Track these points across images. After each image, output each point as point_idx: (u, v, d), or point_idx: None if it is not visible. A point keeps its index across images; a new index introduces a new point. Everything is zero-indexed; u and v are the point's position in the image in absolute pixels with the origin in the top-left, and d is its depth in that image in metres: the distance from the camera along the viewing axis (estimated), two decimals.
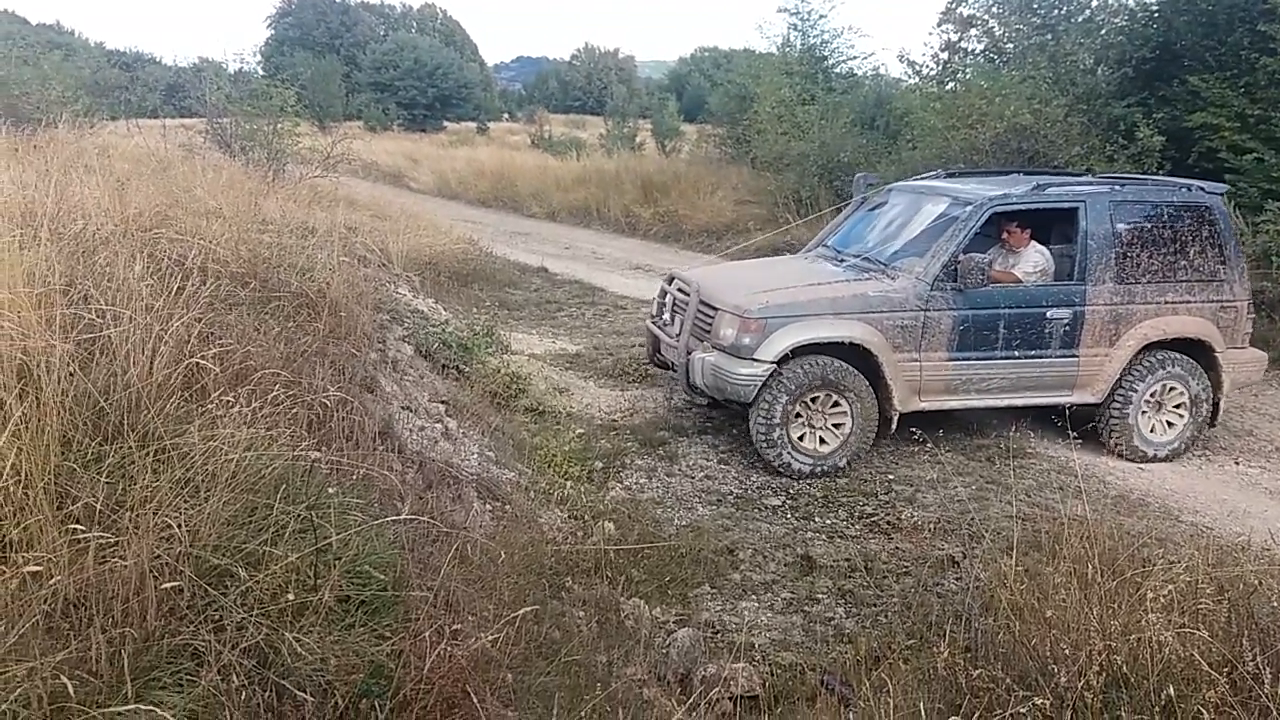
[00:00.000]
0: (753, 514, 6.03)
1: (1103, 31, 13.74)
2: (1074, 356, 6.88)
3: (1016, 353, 6.78)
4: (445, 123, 49.04)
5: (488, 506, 5.21)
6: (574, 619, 4.28)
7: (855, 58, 21.08)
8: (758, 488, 6.41)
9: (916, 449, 6.80)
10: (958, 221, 6.79)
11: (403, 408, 5.74)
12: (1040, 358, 6.83)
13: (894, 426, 6.67)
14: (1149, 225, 6.95)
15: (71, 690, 2.18)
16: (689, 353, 6.80)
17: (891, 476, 6.57)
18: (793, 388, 6.42)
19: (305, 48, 50.02)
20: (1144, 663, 2.95)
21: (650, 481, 6.42)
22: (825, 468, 6.56)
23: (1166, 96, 12.26)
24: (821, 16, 20.36)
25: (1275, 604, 3.24)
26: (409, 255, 10.93)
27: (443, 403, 6.45)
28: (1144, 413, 7.05)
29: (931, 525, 5.75)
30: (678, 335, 7.04)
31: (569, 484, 6.13)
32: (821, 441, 6.60)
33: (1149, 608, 3.16)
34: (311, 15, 56.10)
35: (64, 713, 2.21)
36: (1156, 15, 12.95)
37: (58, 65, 15.26)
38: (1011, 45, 15.31)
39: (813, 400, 6.54)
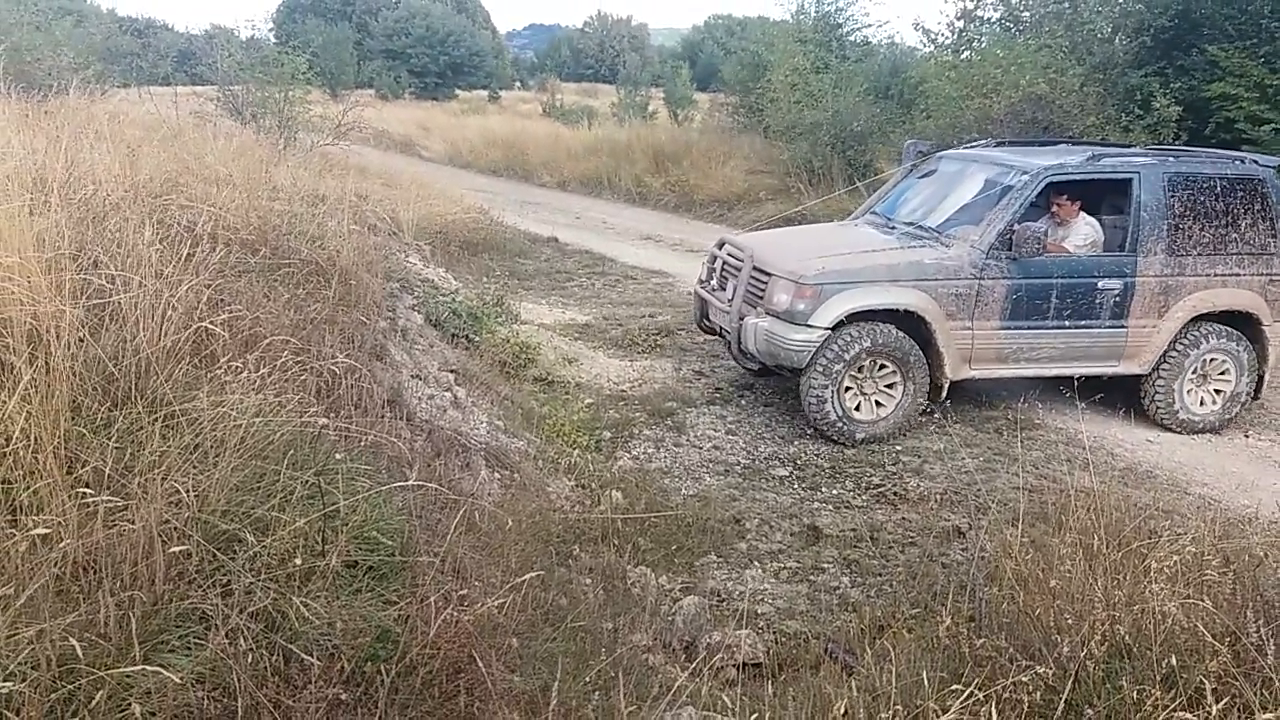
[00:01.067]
0: (760, 484, 6.04)
1: None
2: (1123, 327, 6.89)
3: (1067, 322, 6.80)
4: (457, 91, 48.81)
5: (496, 475, 5.23)
6: (580, 586, 4.30)
7: (870, 26, 20.93)
8: (765, 458, 6.42)
9: (924, 420, 6.81)
10: (1013, 190, 6.77)
11: (412, 376, 5.76)
12: (1090, 328, 6.85)
13: (944, 395, 6.69)
14: (1201, 197, 6.91)
15: (80, 652, 2.21)
16: (741, 318, 6.79)
17: (899, 448, 6.57)
18: (846, 355, 6.43)
19: (317, 14, 49.72)
20: (1147, 633, 2.96)
21: (658, 451, 6.44)
22: (882, 431, 6.63)
23: (1184, 66, 12.11)
24: None
25: None
26: (419, 224, 10.91)
27: (452, 371, 6.47)
28: (1189, 384, 7.08)
29: (938, 496, 5.75)
30: (730, 300, 7.01)
31: (577, 453, 6.15)
32: (857, 409, 6.63)
33: (1154, 579, 3.16)
34: None
35: (73, 674, 2.24)
36: None
37: (69, 31, 15.18)
38: (1028, 13, 15.13)
39: (876, 367, 6.58)
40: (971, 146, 8.43)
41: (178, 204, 5.05)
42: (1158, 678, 2.75)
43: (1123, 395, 7.10)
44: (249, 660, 2.45)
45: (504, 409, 6.44)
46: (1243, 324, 7.10)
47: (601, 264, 12.75)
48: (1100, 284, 6.80)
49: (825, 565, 5.03)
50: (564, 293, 11.11)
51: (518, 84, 58.82)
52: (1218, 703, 2.54)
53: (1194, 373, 7.07)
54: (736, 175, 17.63)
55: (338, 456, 3.33)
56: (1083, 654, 2.85)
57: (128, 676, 2.28)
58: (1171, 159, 7.16)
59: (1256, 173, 7.07)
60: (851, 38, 20.49)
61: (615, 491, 5.58)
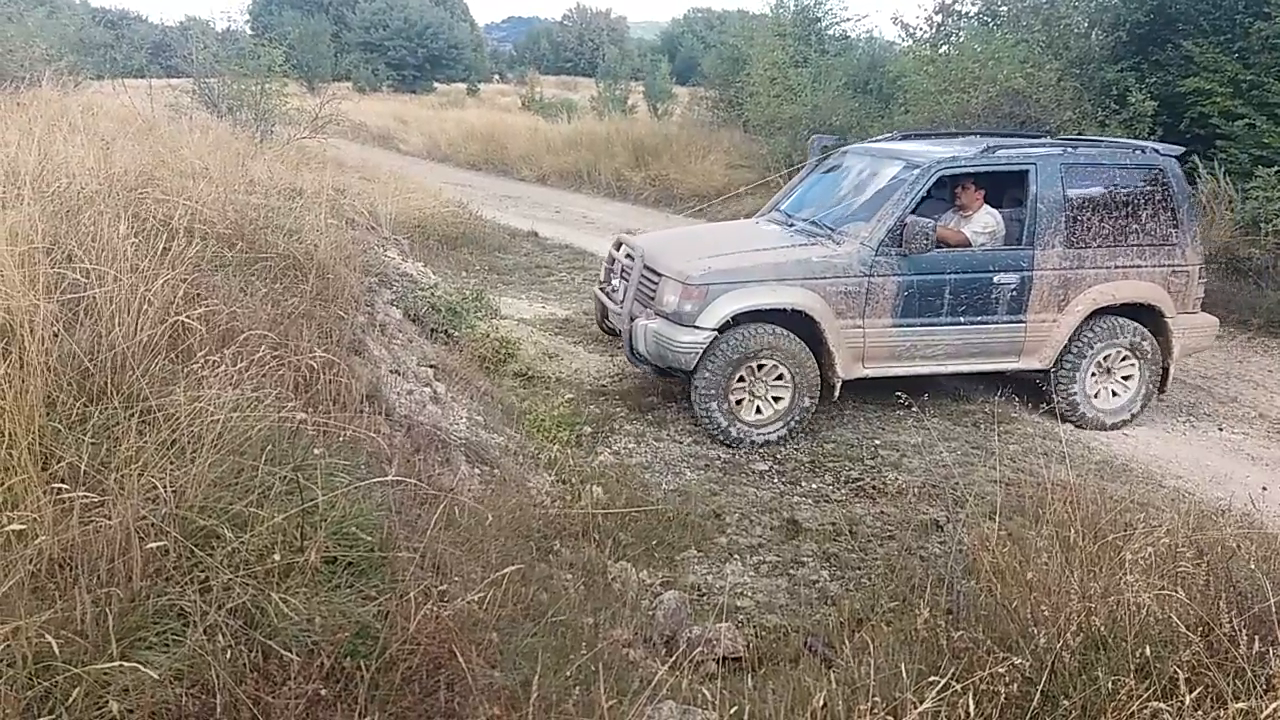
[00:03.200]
0: (740, 479, 6.06)
1: None
2: (1021, 322, 6.80)
3: (962, 318, 6.70)
4: (435, 84, 48.65)
5: (476, 470, 5.22)
6: (561, 581, 4.30)
7: (848, 20, 21.05)
8: (745, 453, 6.44)
9: (902, 414, 6.84)
10: (904, 185, 6.67)
11: (391, 371, 5.73)
12: (986, 323, 6.75)
13: (836, 393, 6.61)
14: (1100, 188, 6.84)
15: (56, 649, 2.19)
16: (632, 319, 6.68)
17: (877, 441, 6.61)
18: (733, 356, 6.35)
19: (294, 7, 49.31)
20: (1122, 624, 2.99)
21: (639, 446, 6.44)
22: (766, 437, 6.52)
23: (1160, 61, 12.20)
24: None
25: (1253, 567, 3.27)
26: (398, 218, 10.87)
27: (431, 367, 6.44)
28: (1092, 379, 7.01)
29: (916, 490, 5.79)
30: (622, 301, 6.91)
31: (557, 448, 6.14)
32: (758, 411, 6.54)
33: (1128, 570, 3.20)
34: None
35: (49, 671, 2.22)
36: None
37: (42, 22, 15.05)
38: (1005, 8, 15.20)
39: (755, 368, 6.46)
40: (876, 141, 8.36)
41: (153, 197, 5.00)
42: (1132, 668, 2.78)
43: None
44: (227, 657, 2.44)
45: (484, 404, 6.42)
46: (1145, 316, 7.02)
47: (582, 259, 12.73)
48: (996, 278, 6.69)
49: (805, 559, 5.05)
50: (544, 287, 11.09)
51: (496, 77, 58.67)
52: (1191, 692, 2.56)
53: (1096, 367, 6.99)
54: (716, 169, 17.66)
55: (316, 452, 3.30)
56: (1059, 645, 2.87)
57: (105, 674, 2.26)
58: (1070, 149, 7.03)
59: (1157, 162, 6.96)
60: (830, 32, 20.54)
61: (596, 487, 5.58)
